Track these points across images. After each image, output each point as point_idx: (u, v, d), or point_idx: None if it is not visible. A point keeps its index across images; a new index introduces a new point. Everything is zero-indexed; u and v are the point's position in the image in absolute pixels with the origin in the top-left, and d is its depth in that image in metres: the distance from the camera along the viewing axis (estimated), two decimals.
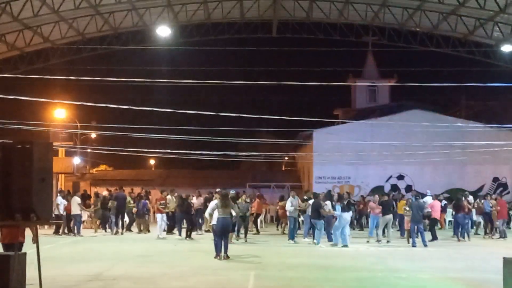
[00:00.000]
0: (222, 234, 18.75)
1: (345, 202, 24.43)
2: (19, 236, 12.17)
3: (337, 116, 55.66)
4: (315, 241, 23.48)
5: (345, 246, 22.53)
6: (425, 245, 22.82)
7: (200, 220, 29.51)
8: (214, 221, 19.08)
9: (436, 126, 36.92)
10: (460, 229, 26.48)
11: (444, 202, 34.35)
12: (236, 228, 24.09)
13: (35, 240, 11.71)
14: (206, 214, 21.07)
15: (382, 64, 56.26)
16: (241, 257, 19.11)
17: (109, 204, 29.22)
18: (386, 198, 25.72)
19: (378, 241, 24.36)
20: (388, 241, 24.36)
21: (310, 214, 24.10)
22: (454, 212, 27.20)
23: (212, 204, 19.94)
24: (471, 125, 40.08)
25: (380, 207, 24.76)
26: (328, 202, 23.87)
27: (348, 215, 23.45)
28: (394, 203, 26.55)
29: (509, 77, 38.96)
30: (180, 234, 26.61)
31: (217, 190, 21.92)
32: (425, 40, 40.10)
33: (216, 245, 18.86)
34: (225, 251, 18.64)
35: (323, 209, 23.21)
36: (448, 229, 32.21)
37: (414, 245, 22.88)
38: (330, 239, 23.73)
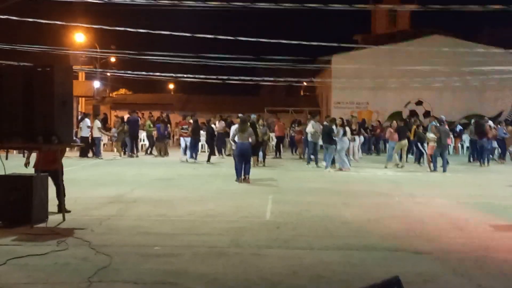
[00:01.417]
0: (241, 158, 18.88)
1: (352, 127, 24.69)
2: (54, 163, 12.11)
3: (356, 41, 54.97)
4: (323, 164, 23.54)
5: (340, 169, 22.82)
6: (444, 171, 22.77)
7: (220, 145, 29.65)
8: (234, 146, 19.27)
9: (456, 52, 36.35)
10: (482, 154, 26.38)
11: (459, 127, 34.24)
12: (257, 152, 24.05)
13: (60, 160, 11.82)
14: (230, 140, 21.19)
15: None
16: (260, 182, 19.21)
17: (122, 127, 29.41)
18: (402, 124, 25.70)
19: (397, 165, 24.43)
20: (402, 166, 24.37)
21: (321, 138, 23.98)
22: (477, 137, 26.87)
23: (233, 129, 20.02)
24: (491, 51, 39.40)
25: (396, 133, 24.80)
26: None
27: (346, 140, 23.53)
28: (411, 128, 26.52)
29: None
30: (195, 158, 26.82)
31: (239, 115, 21.84)
32: None
33: (236, 169, 19.02)
34: (246, 174, 18.81)
35: (334, 133, 23.21)
36: (463, 155, 32.12)
37: (435, 169, 22.85)
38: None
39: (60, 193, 12.03)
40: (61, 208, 11.77)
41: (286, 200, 15.12)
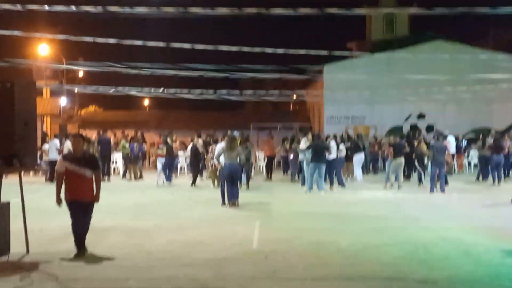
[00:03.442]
0: (230, 180, 18.85)
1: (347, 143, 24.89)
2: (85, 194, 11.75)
3: (350, 49, 55.32)
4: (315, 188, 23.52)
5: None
6: (442, 191, 22.80)
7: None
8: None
9: (460, 59, 36.61)
10: (497, 171, 26.41)
11: (465, 142, 34.30)
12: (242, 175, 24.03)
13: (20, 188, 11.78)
14: (214, 160, 21.14)
15: None
16: (246, 206, 19.15)
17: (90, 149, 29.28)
18: (397, 139, 25.72)
19: (392, 185, 24.45)
20: (399, 187, 24.38)
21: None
22: (490, 153, 26.84)
23: (219, 147, 20.02)
24: (500, 56, 39.69)
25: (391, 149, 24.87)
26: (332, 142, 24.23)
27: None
28: (408, 144, 26.65)
29: None
30: (169, 181, 26.96)
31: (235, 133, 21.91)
32: None
33: (222, 192, 18.99)
34: (235, 198, 18.81)
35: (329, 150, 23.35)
36: (470, 173, 32.21)
37: (432, 190, 22.90)
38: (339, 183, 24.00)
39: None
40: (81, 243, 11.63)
41: (275, 226, 15.14)
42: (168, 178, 27.05)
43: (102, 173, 28.64)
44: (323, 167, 23.10)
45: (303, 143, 24.59)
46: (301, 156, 25.02)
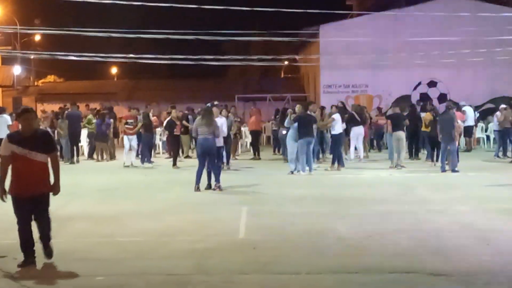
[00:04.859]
0: (204, 159, 18.84)
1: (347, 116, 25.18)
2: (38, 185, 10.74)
3: (350, 7, 55.06)
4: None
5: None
6: (454, 171, 22.79)
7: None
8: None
9: (477, 17, 36.53)
10: None
11: (477, 114, 34.40)
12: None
13: None
14: (193, 135, 21.13)
15: None
16: (231, 189, 19.20)
17: (58, 125, 29.14)
18: (396, 110, 25.69)
19: (396, 166, 24.37)
20: (396, 166, 24.32)
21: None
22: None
23: (195, 122, 19.99)
24: None
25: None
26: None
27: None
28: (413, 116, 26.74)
29: None
30: (149, 162, 26.82)
31: (215, 103, 21.66)
32: None
33: (197, 172, 18.95)
34: (216, 180, 18.82)
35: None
36: (483, 149, 32.32)
37: (443, 170, 22.91)
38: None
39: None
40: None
41: (265, 211, 15.15)
42: (149, 159, 27.11)
43: (71, 154, 28.57)
44: (312, 143, 23.14)
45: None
46: (283, 131, 25.00)
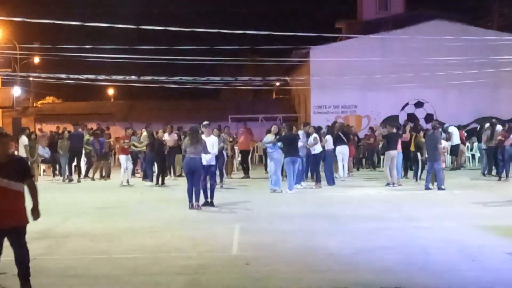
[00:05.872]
0: (191, 176, 18.82)
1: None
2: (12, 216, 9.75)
3: (339, 30, 55.26)
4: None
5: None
6: (440, 189, 22.76)
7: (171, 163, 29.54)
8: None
9: (462, 40, 36.67)
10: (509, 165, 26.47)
11: (464, 133, 34.51)
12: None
13: None
14: (183, 154, 21.21)
15: None
16: (224, 207, 19.21)
17: (59, 144, 29.15)
18: (391, 130, 25.74)
19: (388, 184, 24.38)
20: (388, 183, 24.33)
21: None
22: (504, 145, 27.00)
23: (184, 142, 20.04)
24: (505, 38, 39.79)
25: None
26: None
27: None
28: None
29: None
30: (151, 180, 26.77)
31: (204, 123, 21.53)
32: None
33: (187, 191, 18.93)
34: (197, 199, 18.79)
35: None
36: (469, 167, 32.37)
37: (426, 187, 22.98)
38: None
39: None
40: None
41: (257, 229, 15.13)
42: (151, 178, 27.11)
43: (70, 171, 28.62)
44: (297, 162, 23.20)
45: (269, 137, 24.22)
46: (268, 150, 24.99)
